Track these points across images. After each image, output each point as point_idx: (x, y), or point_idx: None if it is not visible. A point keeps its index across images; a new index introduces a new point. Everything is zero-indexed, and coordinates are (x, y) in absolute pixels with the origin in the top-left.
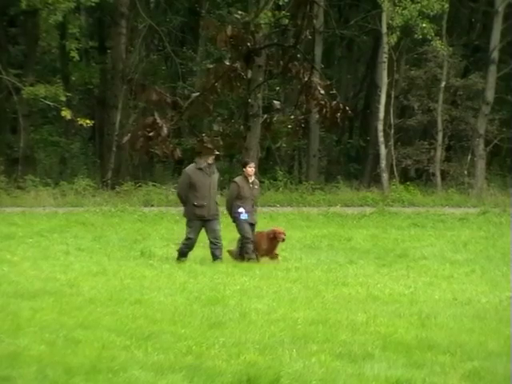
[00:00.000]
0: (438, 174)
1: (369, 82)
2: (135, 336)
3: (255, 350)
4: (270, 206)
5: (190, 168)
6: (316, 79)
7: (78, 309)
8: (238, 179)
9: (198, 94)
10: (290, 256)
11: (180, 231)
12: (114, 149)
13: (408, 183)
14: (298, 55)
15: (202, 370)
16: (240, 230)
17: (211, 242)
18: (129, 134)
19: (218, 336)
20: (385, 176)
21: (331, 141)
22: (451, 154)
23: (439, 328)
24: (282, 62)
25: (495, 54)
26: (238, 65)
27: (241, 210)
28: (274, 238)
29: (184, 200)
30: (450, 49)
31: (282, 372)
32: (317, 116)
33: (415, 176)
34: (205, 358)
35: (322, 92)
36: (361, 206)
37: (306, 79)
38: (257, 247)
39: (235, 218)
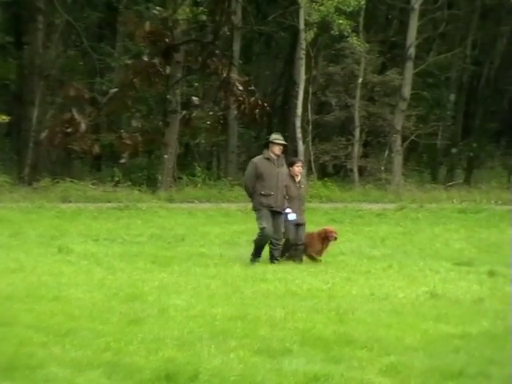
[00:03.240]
0: (355, 169)
1: (287, 78)
2: (53, 333)
3: (174, 346)
4: (189, 202)
5: (257, 158)
6: (235, 75)
7: None
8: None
9: (116, 89)
10: (209, 252)
11: (98, 227)
12: (31, 145)
13: (326, 179)
14: (217, 51)
15: (120, 367)
16: (285, 232)
17: (271, 242)
18: (46, 130)
19: (137, 332)
20: (303, 172)
21: (250, 137)
22: (368, 150)
23: (357, 323)
24: (200, 58)
25: (412, 51)
26: (156, 61)
27: (288, 210)
28: (326, 238)
29: (251, 192)
30: (367, 45)
31: (201, 368)
32: (235, 112)
33: (333, 172)
34: (123, 354)
35: (241, 88)
36: None
37: (224, 75)
38: (306, 248)
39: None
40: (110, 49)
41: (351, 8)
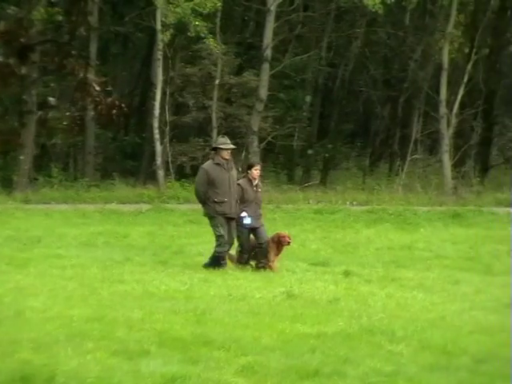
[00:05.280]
0: None
1: (144, 79)
2: None
3: (30, 349)
4: (46, 203)
5: (207, 164)
6: (91, 76)
7: None
8: (241, 181)
9: None
10: (66, 254)
11: None
12: None
13: (183, 180)
14: (73, 52)
15: None
16: (238, 237)
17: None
18: None
19: None
20: (160, 173)
21: (107, 138)
22: None
23: (214, 324)
24: (56, 59)
25: (268, 52)
26: (11, 61)
27: (244, 214)
28: (279, 243)
29: (203, 198)
30: (224, 46)
31: (58, 370)
32: (92, 113)
33: (191, 173)
34: None
35: (98, 89)
36: (137, 203)
37: (81, 76)
38: (265, 255)
39: (237, 223)
40: None
41: (207, 10)
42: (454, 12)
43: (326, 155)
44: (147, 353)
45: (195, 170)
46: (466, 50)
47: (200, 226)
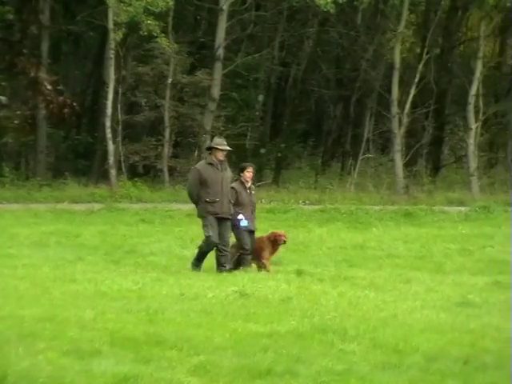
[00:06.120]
0: (165, 170)
1: (96, 78)
2: None
3: None
4: None
5: (200, 164)
6: (43, 75)
7: None
8: (235, 184)
9: None
10: (18, 253)
11: None
12: None
13: (136, 179)
14: (25, 50)
15: None
16: (239, 239)
17: (217, 249)
18: None
19: None
20: (113, 172)
21: (59, 137)
22: (178, 151)
23: (167, 323)
24: (7, 57)
25: (220, 52)
26: None
27: (240, 216)
28: (275, 241)
29: (196, 199)
30: (176, 46)
31: (9, 370)
32: (44, 112)
33: (143, 172)
34: None
35: (49, 87)
36: (89, 202)
37: (32, 74)
38: (259, 253)
39: (234, 225)
40: None
41: (160, 8)
42: (405, 12)
43: (279, 154)
44: (99, 352)
45: (147, 169)
46: (418, 50)
47: (152, 225)
